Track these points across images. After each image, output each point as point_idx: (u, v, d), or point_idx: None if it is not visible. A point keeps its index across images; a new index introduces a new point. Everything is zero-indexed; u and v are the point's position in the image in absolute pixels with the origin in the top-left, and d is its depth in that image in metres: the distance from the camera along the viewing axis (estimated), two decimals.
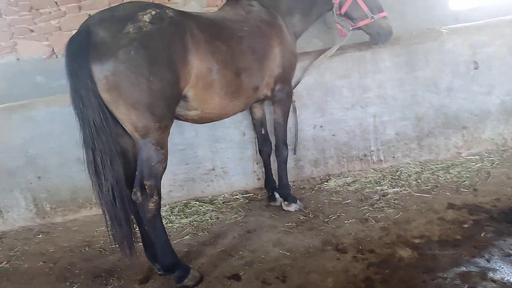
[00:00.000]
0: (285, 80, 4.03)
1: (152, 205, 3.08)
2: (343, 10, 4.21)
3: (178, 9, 5.25)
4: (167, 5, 5.16)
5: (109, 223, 3.05)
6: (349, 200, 4.30)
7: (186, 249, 3.88)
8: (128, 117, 2.91)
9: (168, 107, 3.02)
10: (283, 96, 4.04)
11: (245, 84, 3.56)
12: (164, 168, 3.13)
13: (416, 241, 3.42)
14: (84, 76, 2.79)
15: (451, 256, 3.14)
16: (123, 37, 2.80)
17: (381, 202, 4.14)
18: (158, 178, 3.09)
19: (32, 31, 5.37)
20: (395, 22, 5.08)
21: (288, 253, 3.53)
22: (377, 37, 4.32)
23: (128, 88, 2.82)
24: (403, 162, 4.89)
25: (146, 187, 3.04)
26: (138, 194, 3.04)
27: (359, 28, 4.29)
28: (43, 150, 4.76)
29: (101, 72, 2.79)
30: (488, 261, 3.03)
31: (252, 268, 3.40)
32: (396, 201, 4.11)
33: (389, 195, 4.25)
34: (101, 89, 2.82)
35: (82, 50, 2.80)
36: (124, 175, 3.13)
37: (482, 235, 3.35)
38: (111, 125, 2.92)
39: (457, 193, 4.08)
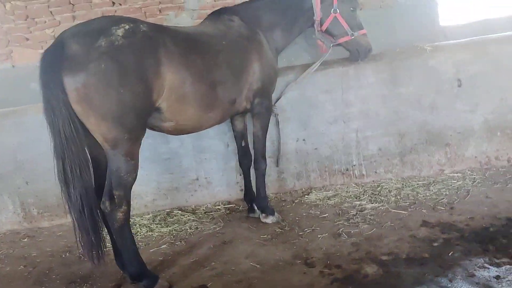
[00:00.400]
0: (265, 94, 4.09)
1: (121, 214, 3.14)
2: (324, 27, 4.27)
3: (170, 21, 5.44)
4: (158, 18, 5.36)
5: (77, 231, 3.12)
6: (327, 214, 4.33)
7: (161, 258, 3.94)
8: (98, 128, 2.99)
9: (139, 119, 3.09)
10: (262, 110, 4.11)
11: (220, 97, 3.64)
12: (134, 179, 3.20)
13: (384, 258, 3.43)
14: (56, 87, 2.88)
15: (415, 275, 3.14)
16: (95, 50, 2.90)
17: (357, 217, 4.16)
18: (127, 188, 3.15)
19: (27, 39, 5.50)
20: (384, 38, 5.18)
21: (258, 266, 3.57)
22: (356, 54, 4.41)
23: (98, 100, 2.91)
24: (385, 177, 4.92)
25: (115, 197, 3.11)
26: (107, 203, 3.11)
27: (339, 45, 4.35)
28: (31, 155, 4.87)
29: (72, 84, 2.88)
30: (450, 280, 3.02)
31: (220, 280, 3.44)
32: (372, 217, 4.13)
33: (366, 211, 4.27)
34: (72, 101, 2.91)
35: (55, 62, 2.90)
36: (98, 184, 3.24)
37: (449, 254, 3.35)
38: (81, 136, 3.00)
39: (433, 211, 4.09)
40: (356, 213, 4.26)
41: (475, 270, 3.11)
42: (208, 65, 3.50)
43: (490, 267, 3.13)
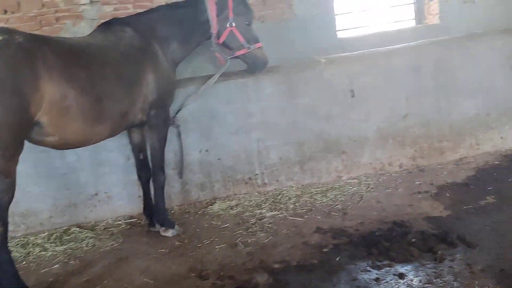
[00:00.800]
0: (161, 106, 4.05)
1: None
2: (221, 40, 4.32)
3: (68, 30, 5.23)
4: (55, 27, 5.14)
5: None
6: (228, 224, 4.36)
7: (51, 279, 3.74)
8: None
9: (14, 135, 2.94)
10: (159, 122, 4.07)
11: (109, 110, 3.54)
12: (10, 198, 3.02)
13: (276, 266, 3.50)
14: None
15: (302, 282, 3.24)
16: None
17: (256, 226, 4.22)
18: (2, 208, 2.98)
19: None
20: (284, 51, 5.33)
21: (151, 281, 3.51)
22: (253, 66, 4.52)
23: None
24: (286, 185, 5.04)
25: None
26: None
27: (236, 57, 4.42)
28: None
29: None
30: (334, 285, 3.15)
31: None
32: (270, 225, 4.21)
33: (266, 219, 4.35)
34: None
35: None
36: None
37: (337, 259, 3.49)
38: None
39: (327, 217, 4.25)
40: (256, 221, 4.32)
41: (358, 273, 3.27)
42: (94, 78, 3.40)
43: (371, 270, 3.30)
